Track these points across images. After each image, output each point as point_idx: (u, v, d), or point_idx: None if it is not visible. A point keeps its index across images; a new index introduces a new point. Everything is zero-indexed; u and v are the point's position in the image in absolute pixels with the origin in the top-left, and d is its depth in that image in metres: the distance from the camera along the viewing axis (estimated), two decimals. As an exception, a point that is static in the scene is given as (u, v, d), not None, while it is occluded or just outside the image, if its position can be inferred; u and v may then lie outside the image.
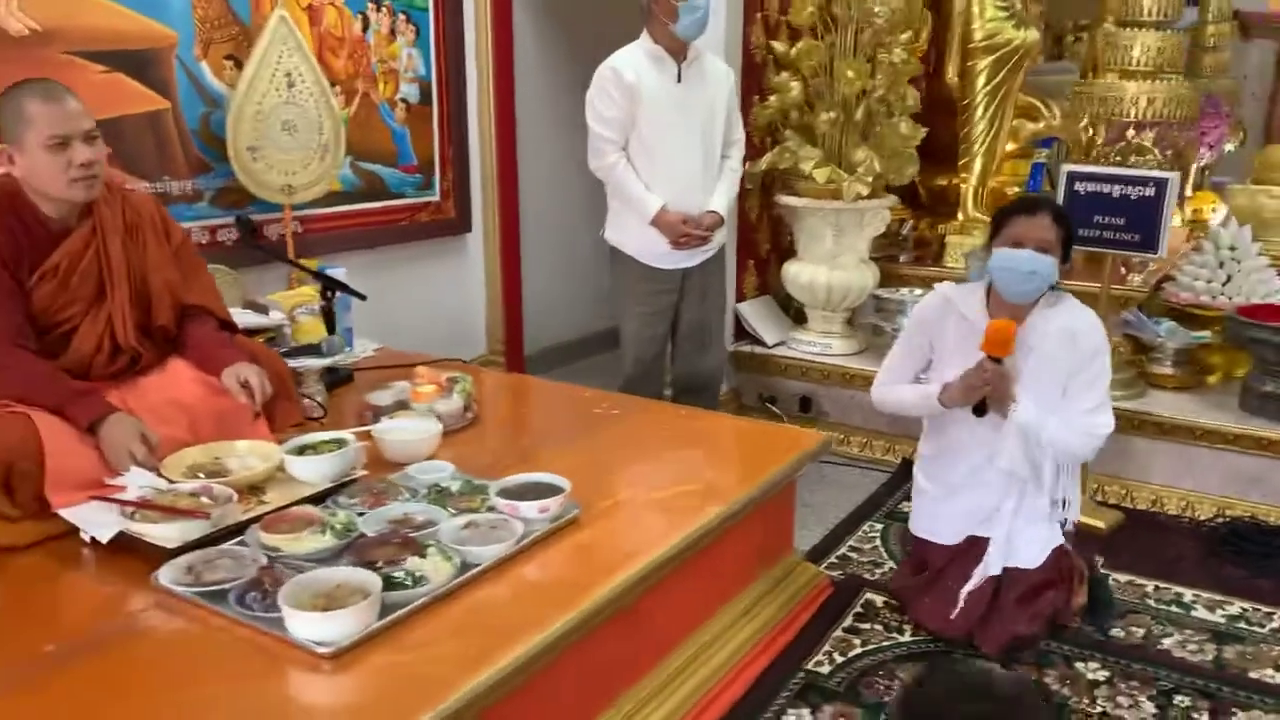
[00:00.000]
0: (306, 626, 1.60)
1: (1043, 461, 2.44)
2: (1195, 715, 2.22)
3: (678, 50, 3.15)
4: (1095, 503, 3.25)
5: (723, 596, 2.40)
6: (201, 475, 2.12)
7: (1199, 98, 3.32)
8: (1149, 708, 2.25)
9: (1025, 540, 2.48)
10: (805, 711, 2.24)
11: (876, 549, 3.07)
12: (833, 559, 2.98)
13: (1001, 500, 2.49)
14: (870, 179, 3.59)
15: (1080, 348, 2.44)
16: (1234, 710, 2.23)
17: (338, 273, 3.14)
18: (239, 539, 1.93)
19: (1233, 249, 3.51)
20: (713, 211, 3.25)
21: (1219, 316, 3.46)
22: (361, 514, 2.02)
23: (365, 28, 3.73)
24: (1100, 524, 3.12)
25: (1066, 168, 3.02)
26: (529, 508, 2.03)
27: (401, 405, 2.71)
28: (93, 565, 1.92)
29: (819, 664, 2.43)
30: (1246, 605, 2.71)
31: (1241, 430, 3.19)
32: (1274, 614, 2.66)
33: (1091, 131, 3.36)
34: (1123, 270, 3.55)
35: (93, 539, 1.93)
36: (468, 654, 1.62)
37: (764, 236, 4.27)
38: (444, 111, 4.11)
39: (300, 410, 2.54)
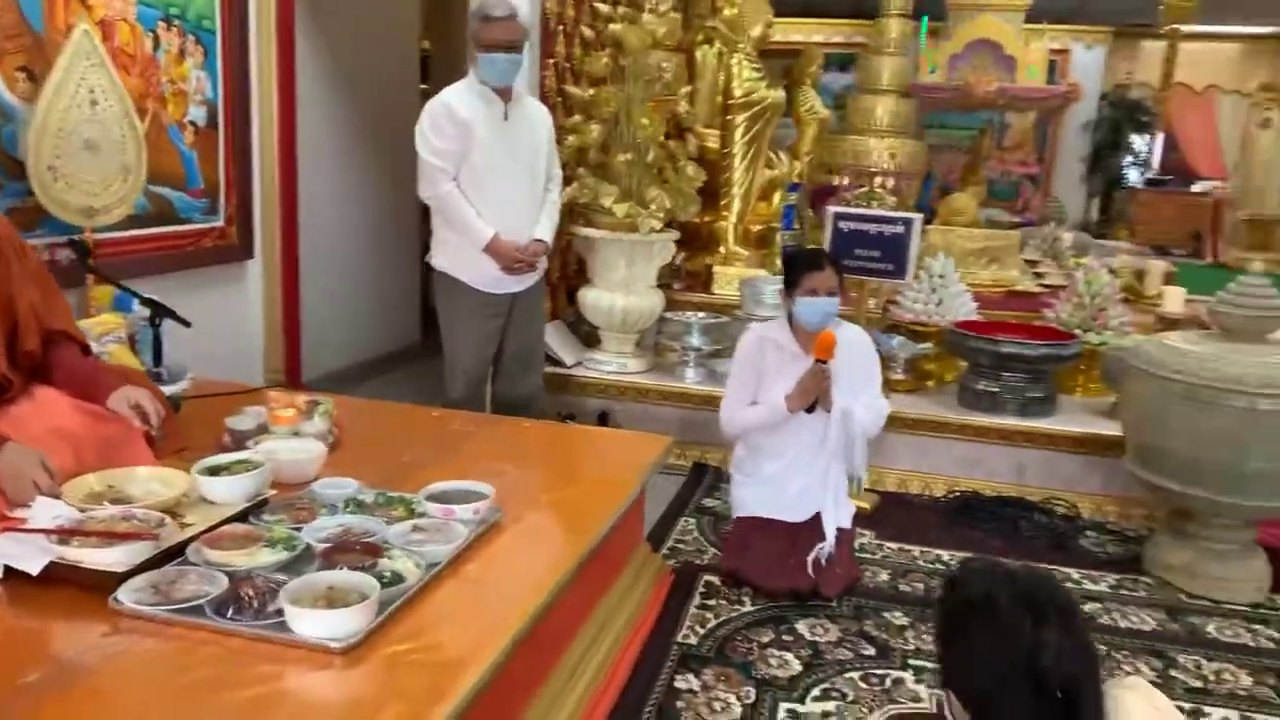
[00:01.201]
0: (318, 625, 1.68)
1: (854, 439, 3.03)
2: (978, 641, 2.82)
3: (502, 91, 3.40)
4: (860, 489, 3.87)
5: (604, 588, 2.67)
6: (106, 503, 2.05)
7: (927, 152, 4.11)
8: (945, 640, 2.82)
9: (842, 507, 3.08)
10: (690, 676, 2.57)
11: (698, 539, 3.48)
12: (664, 550, 3.34)
13: (825, 476, 3.04)
14: (661, 215, 4.02)
15: (859, 354, 3.10)
16: (1003, 634, 2.85)
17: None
18: (179, 559, 1.92)
19: (941, 277, 4.34)
20: (539, 240, 3.52)
21: (936, 331, 4.26)
22: (298, 528, 2.07)
23: (156, 47, 3.59)
24: (866, 505, 3.74)
25: (832, 209, 3.63)
26: (464, 510, 2.19)
27: (263, 429, 2.71)
28: (12, 601, 1.83)
29: (686, 637, 2.77)
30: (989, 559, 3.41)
31: (963, 421, 3.96)
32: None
33: (838, 179, 4.02)
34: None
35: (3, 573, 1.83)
36: (465, 639, 1.78)
37: (554, 265, 4.58)
38: (230, 136, 4.02)
39: (181, 436, 2.48)
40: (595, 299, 4.23)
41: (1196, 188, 13.89)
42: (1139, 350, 3.37)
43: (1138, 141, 12.64)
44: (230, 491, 2.18)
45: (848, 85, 11.62)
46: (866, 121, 3.83)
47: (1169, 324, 4.29)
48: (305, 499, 2.25)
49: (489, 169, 3.39)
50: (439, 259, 3.55)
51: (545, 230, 3.54)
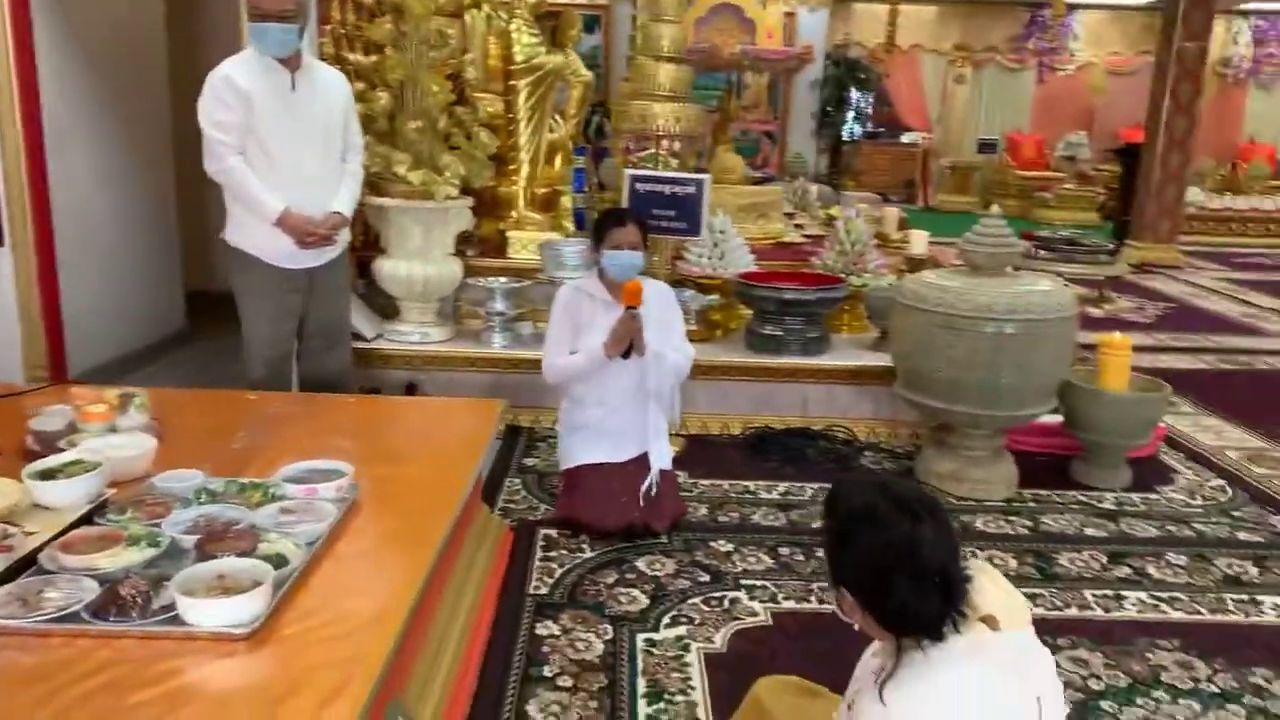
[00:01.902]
0: (217, 613, 1.67)
1: (667, 380, 3.30)
2: (795, 557, 3.14)
3: (288, 60, 3.28)
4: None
5: (457, 551, 2.73)
6: (-75, 521, 1.89)
7: (706, 115, 4.36)
8: (767, 560, 3.12)
9: (664, 444, 3.34)
10: (549, 623, 2.70)
11: (527, 497, 3.59)
12: (497, 511, 3.43)
13: (645, 417, 3.28)
14: (457, 181, 4.04)
15: (663, 305, 3.37)
16: (814, 547, 3.19)
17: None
18: (33, 569, 1.82)
19: (722, 232, 4.64)
20: (336, 212, 3.44)
21: (720, 283, 4.57)
22: (155, 524, 2.00)
23: None
24: (676, 448, 3.99)
25: (629, 172, 3.80)
26: (327, 489, 2.19)
27: (73, 428, 2.54)
28: None
29: (537, 588, 2.90)
30: (787, 485, 3.77)
31: (752, 364, 4.30)
32: (804, 486, 3.74)
33: (625, 142, 4.20)
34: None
35: None
36: (366, 610, 1.82)
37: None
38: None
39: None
40: (392, 269, 4.18)
41: (906, 139, 15.42)
42: (903, 288, 3.81)
43: (858, 98, 13.82)
44: (70, 494, 2.07)
45: (595, 46, 11.95)
46: (650, 86, 4.03)
47: (915, 264, 4.84)
48: (151, 494, 2.16)
49: (277, 141, 3.28)
50: (231, 234, 3.40)
51: (344, 202, 3.47)
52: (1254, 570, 3.17)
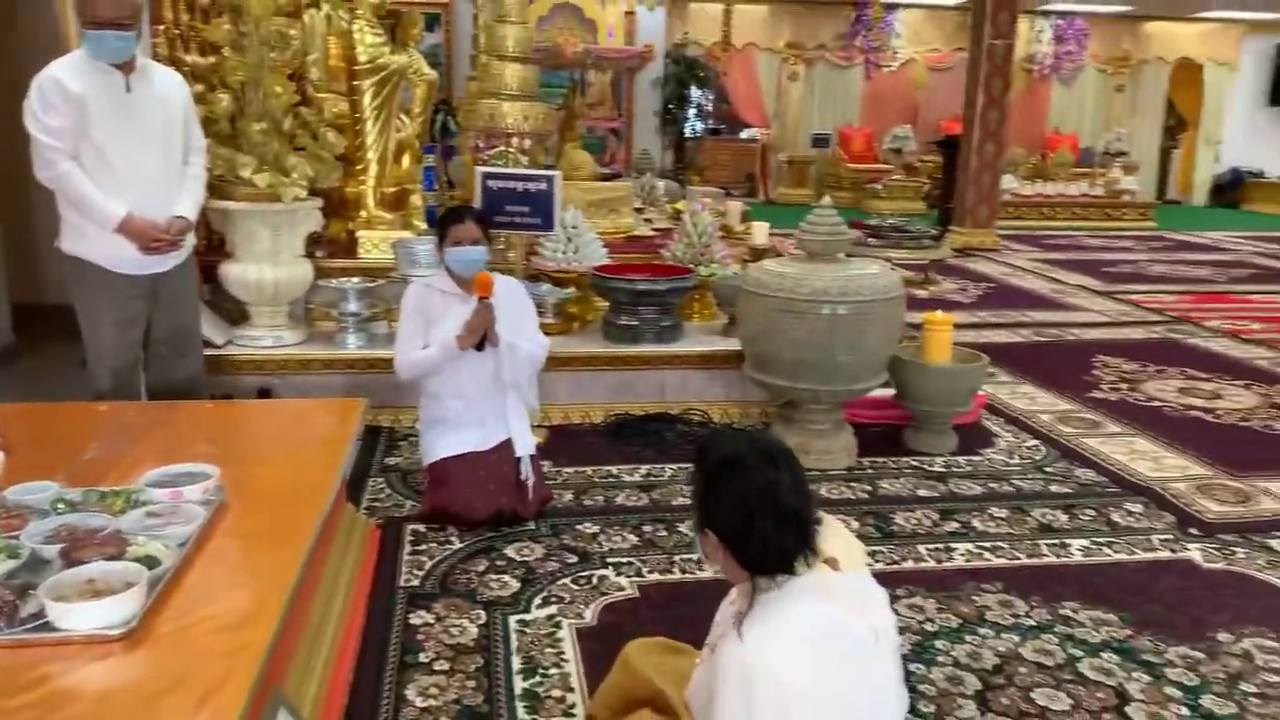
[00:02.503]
0: (91, 616, 1.68)
1: (523, 370, 3.41)
2: (659, 534, 3.30)
3: (122, 63, 3.20)
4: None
5: (326, 550, 2.76)
6: None
7: (553, 113, 4.47)
8: (632, 538, 3.27)
9: (525, 433, 3.43)
10: (422, 612, 2.77)
11: (391, 495, 3.62)
12: (362, 511, 3.44)
13: (505, 405, 3.39)
14: (304, 182, 4.00)
15: (514, 299, 3.47)
16: (675, 523, 3.36)
17: None
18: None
19: (575, 227, 4.77)
20: (180, 216, 3.37)
21: (575, 276, 4.70)
22: (14, 536, 1.96)
23: None
24: (539, 439, 4.09)
25: (480, 170, 3.87)
26: (193, 490, 2.19)
27: (-96, 447, 2.42)
28: None
29: (408, 581, 2.95)
30: (648, 467, 3.93)
31: (610, 353, 4.45)
32: (664, 468, 3.92)
33: (476, 140, 4.26)
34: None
35: None
36: (241, 607, 1.85)
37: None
38: None
39: None
40: (241, 273, 4.11)
41: (745, 135, 15.97)
42: (748, 276, 4.04)
43: (698, 95, 14.22)
44: (-87, 512, 1.99)
45: (436, 45, 11.86)
46: (498, 86, 4.10)
47: (758, 253, 5.10)
48: (3, 508, 2.11)
49: (114, 145, 3.19)
50: (67, 243, 3.28)
51: (188, 206, 3.40)
52: (1064, 518, 3.54)
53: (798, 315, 3.77)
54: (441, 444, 3.38)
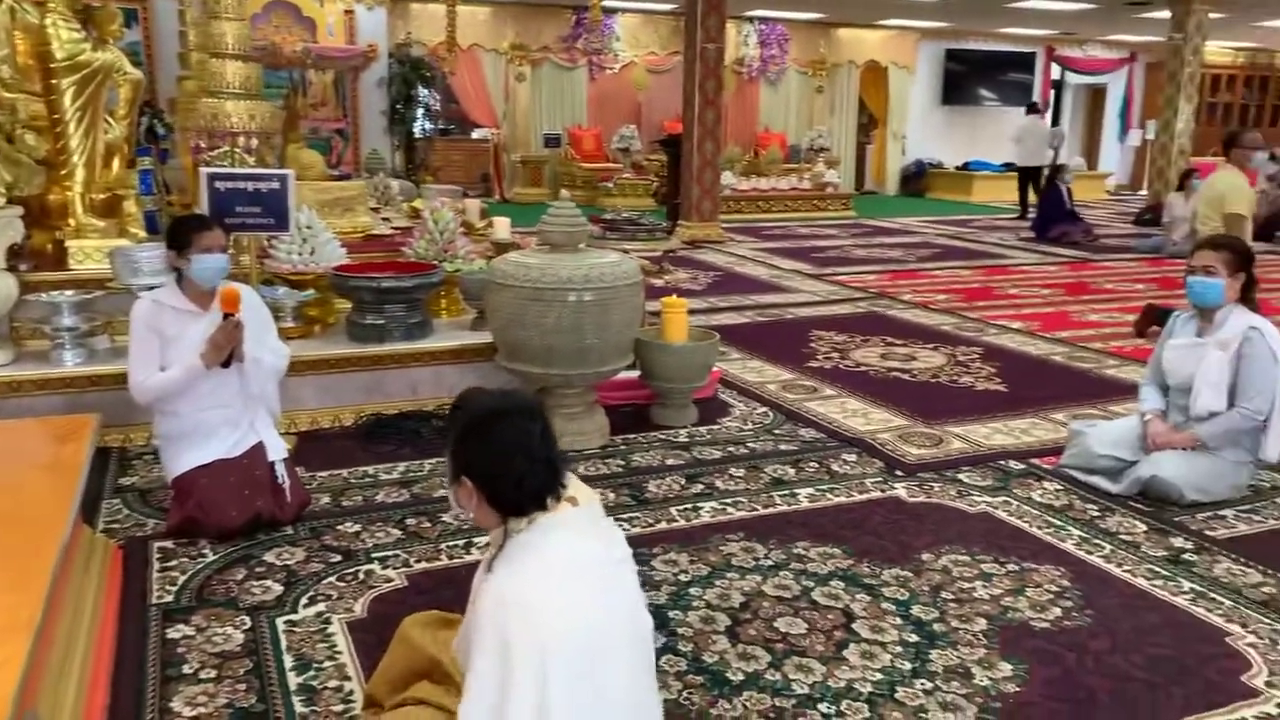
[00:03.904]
0: None
1: (268, 383, 3.38)
2: (422, 525, 3.35)
3: None
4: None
5: (70, 571, 2.59)
6: None
7: (280, 113, 4.33)
8: (396, 532, 3.30)
9: (276, 438, 3.40)
10: (180, 626, 2.67)
11: (131, 515, 3.41)
12: (99, 533, 3.23)
13: (251, 417, 3.35)
14: (2, 189, 3.66)
15: (253, 307, 3.39)
16: (439, 514, 3.42)
17: None
18: None
19: (309, 227, 4.66)
20: None
21: (314, 278, 4.60)
22: None
23: None
24: (289, 447, 3.99)
25: (206, 171, 3.72)
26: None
27: None
28: None
29: (161, 597, 2.82)
30: (406, 464, 3.94)
31: (357, 354, 4.40)
32: (423, 463, 3.94)
33: (196, 141, 4.08)
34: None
35: None
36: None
37: None
38: None
39: None
40: (-70, 291, 3.70)
41: (477, 135, 16.00)
42: (496, 269, 4.15)
43: (425, 95, 14.06)
44: None
45: (136, 43, 10.98)
46: (218, 84, 3.94)
47: (501, 248, 5.21)
48: None
49: None
50: None
51: None
52: (792, 471, 3.94)
53: (546, 304, 3.93)
54: (186, 456, 3.24)
